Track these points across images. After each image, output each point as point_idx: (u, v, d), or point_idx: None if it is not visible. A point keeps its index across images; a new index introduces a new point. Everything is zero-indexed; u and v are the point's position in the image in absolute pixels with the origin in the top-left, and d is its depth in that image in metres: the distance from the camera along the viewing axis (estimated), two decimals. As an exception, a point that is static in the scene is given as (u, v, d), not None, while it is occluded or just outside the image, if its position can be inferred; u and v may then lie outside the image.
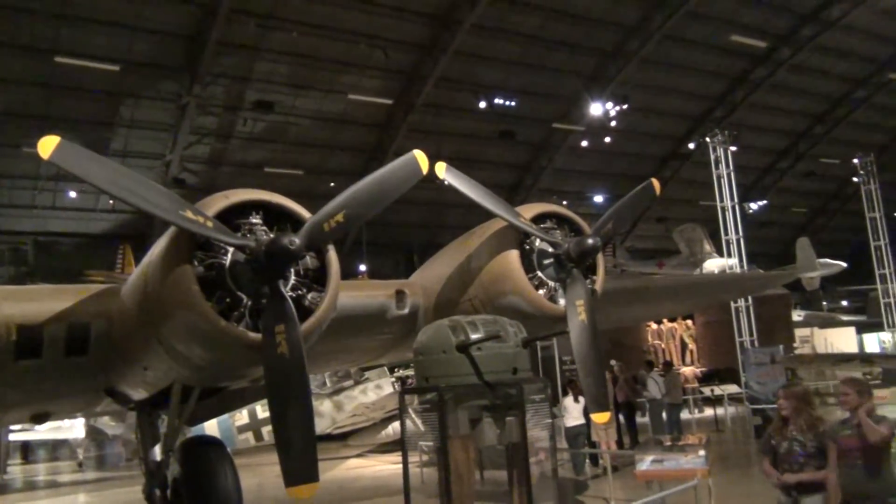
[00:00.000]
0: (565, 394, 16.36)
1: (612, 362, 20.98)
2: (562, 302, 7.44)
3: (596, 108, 36.86)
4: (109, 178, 5.41)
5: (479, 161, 37.57)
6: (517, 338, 5.99)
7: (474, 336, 5.80)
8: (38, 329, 6.48)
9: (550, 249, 7.57)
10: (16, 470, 25.12)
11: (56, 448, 27.40)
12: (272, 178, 32.65)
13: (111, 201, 31.50)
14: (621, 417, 18.96)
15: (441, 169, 7.18)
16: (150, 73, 30.04)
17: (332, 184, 34.01)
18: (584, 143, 39.97)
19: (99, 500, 18.22)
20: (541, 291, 7.47)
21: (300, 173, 35.41)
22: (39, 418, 9.13)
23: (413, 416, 6.76)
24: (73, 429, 22.67)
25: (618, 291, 10.03)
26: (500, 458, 6.11)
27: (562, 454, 14.41)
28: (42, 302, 6.63)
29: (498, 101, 35.89)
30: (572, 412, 15.31)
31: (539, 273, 7.55)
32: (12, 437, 23.43)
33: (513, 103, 36.23)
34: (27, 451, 27.51)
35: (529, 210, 7.71)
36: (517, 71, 35.90)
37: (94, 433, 23.38)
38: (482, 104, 35.67)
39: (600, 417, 7.72)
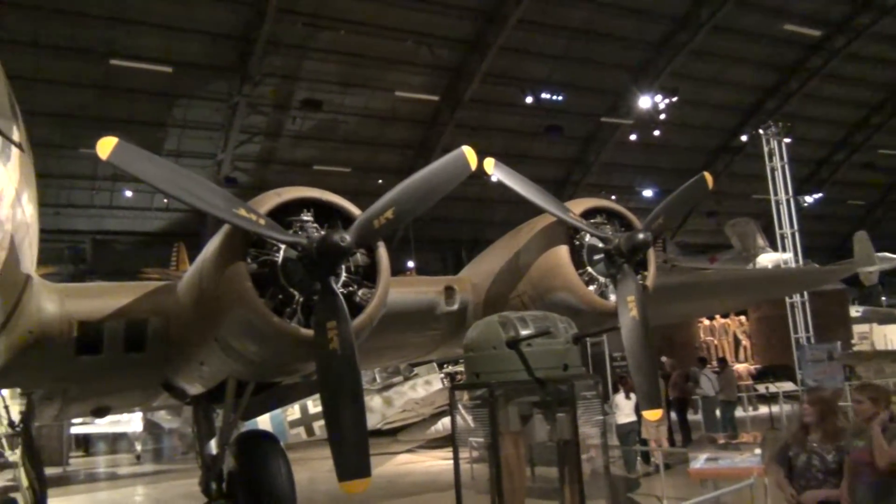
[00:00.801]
0: (616, 390, 16.22)
1: (663, 359, 20.72)
2: (612, 298, 7.38)
3: (645, 101, 36.36)
4: (166, 177, 5.53)
5: (526, 156, 37.40)
6: (568, 334, 5.94)
7: (524, 332, 5.77)
8: (98, 325, 6.66)
9: (600, 245, 7.51)
10: (77, 462, 25.84)
11: (115, 441, 28.12)
12: (321, 176, 32.95)
13: (165, 200, 32.21)
14: (673, 415, 18.71)
15: (490, 165, 7.16)
16: (201, 73, 30.60)
17: (380, 181, 34.22)
18: (633, 137, 39.46)
19: (157, 493, 18.64)
20: (591, 287, 7.41)
21: (348, 171, 35.67)
22: (100, 412, 9.41)
23: (462, 412, 6.77)
24: (131, 422, 23.28)
25: (669, 287, 9.91)
26: (550, 454, 6.08)
27: (613, 451, 14.28)
28: (101, 299, 6.81)
29: (545, 95, 35.62)
30: (623, 409, 15.17)
31: (589, 269, 7.48)
32: (74, 430, 24.16)
33: (560, 98, 35.93)
34: (88, 443, 28.30)
35: (579, 205, 7.65)
36: (564, 65, 35.62)
37: (151, 427, 24.00)
38: (529, 99, 35.46)
39: (652, 415, 7.64)
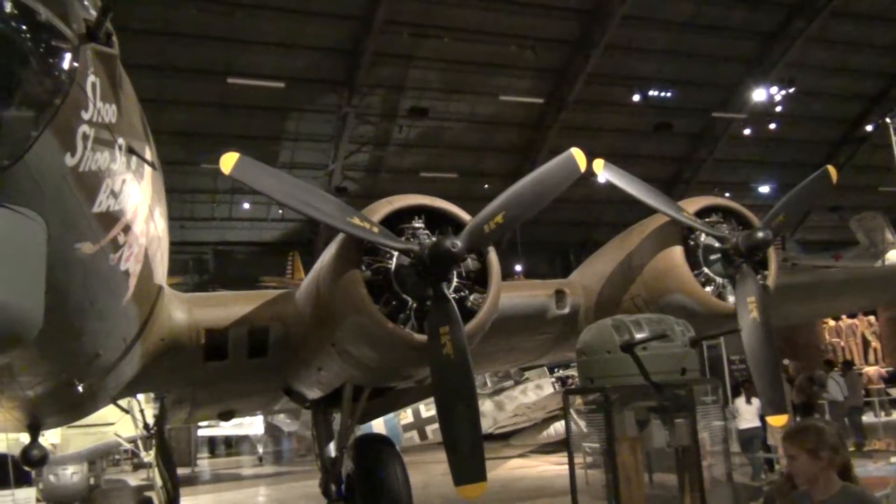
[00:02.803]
0: (737, 395, 15.64)
1: (786, 361, 19.83)
2: (731, 299, 7.15)
3: (759, 94, 35.08)
4: (284, 189, 5.75)
5: (635, 156, 36.63)
6: (685, 337, 5.79)
7: (639, 335, 5.66)
8: (223, 333, 6.99)
9: (717, 244, 7.28)
10: (203, 463, 27.12)
11: (238, 443, 29.40)
12: (428, 183, 33.40)
13: (280, 211, 33.46)
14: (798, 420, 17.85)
15: (599, 166, 7.07)
16: (312, 87, 31.66)
17: (486, 185, 34.34)
18: (747, 132, 38.11)
19: (278, 493, 19.32)
20: (708, 288, 7.20)
21: (454, 176, 35.98)
22: (226, 416, 9.86)
23: (575, 416, 6.71)
24: (252, 425, 24.28)
25: (791, 287, 9.50)
26: (669, 461, 5.93)
27: (735, 458, 13.77)
28: (226, 307, 7.15)
29: (652, 93, 34.93)
30: (745, 414, 14.63)
31: (705, 269, 7.27)
32: (200, 432, 25.41)
33: (668, 94, 35.16)
34: (213, 445, 29.68)
35: (693, 204, 7.45)
36: (672, 61, 34.75)
37: (271, 429, 24.96)
38: (636, 97, 34.86)
39: (777, 420, 7.33)
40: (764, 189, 40.81)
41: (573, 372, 19.85)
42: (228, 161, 5.51)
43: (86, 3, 3.52)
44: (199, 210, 34.87)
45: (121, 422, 12.73)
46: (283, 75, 29.95)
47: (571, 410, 6.55)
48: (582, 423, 6.33)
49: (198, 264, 35.88)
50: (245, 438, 27.45)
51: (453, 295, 6.00)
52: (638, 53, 33.97)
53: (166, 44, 27.54)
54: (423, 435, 19.93)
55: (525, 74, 33.85)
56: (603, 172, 7.15)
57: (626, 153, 35.58)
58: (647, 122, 37.19)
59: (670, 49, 34.21)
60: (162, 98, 27.95)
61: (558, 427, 20.28)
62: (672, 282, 7.15)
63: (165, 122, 27.97)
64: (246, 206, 34.89)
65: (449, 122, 35.02)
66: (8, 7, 2.85)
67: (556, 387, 20.92)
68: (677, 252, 7.21)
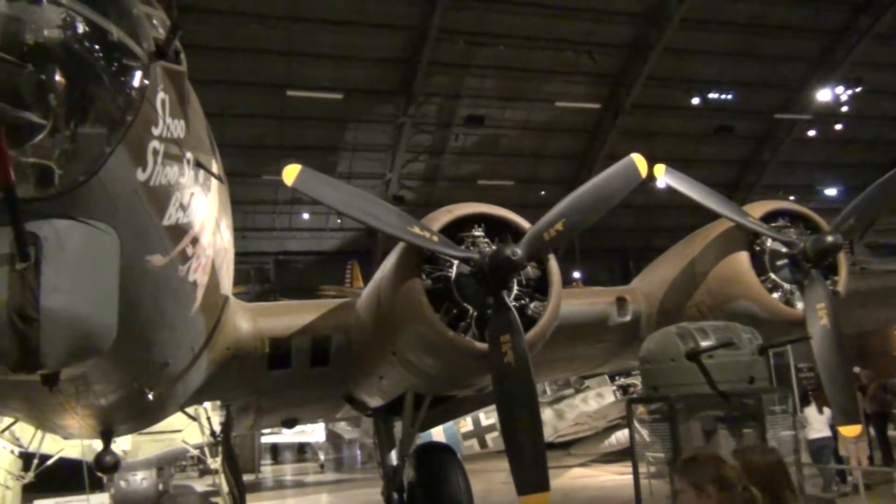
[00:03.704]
0: (806, 404, 15.20)
1: (857, 370, 19.15)
2: (799, 305, 6.97)
3: (824, 94, 34.16)
4: (345, 200, 5.83)
5: (695, 160, 35.96)
6: (752, 345, 5.68)
7: (705, 343, 5.57)
8: (286, 342, 7.12)
9: (784, 249, 7.13)
10: (267, 469, 27.55)
11: (300, 450, 29.77)
12: (485, 191, 33.39)
13: (339, 220, 33.87)
14: (871, 431, 17.24)
15: (660, 171, 6.99)
16: (369, 98, 32.01)
17: (543, 192, 34.15)
18: (812, 133, 37.10)
19: (340, 501, 19.49)
20: (775, 295, 7.05)
21: (511, 184, 35.90)
22: (289, 423, 10.01)
23: (637, 426, 6.61)
24: (314, 432, 24.55)
25: (862, 292, 9.20)
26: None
27: (806, 469, 13.38)
28: (289, 317, 7.27)
29: (712, 95, 34.34)
30: (815, 424, 14.21)
31: (772, 275, 7.13)
32: (264, 439, 25.81)
33: (729, 96, 34.51)
34: (276, 452, 30.12)
35: (758, 208, 7.32)
36: (732, 62, 34.06)
37: (333, 437, 25.20)
38: (695, 100, 34.30)
39: (850, 430, 7.12)
40: (830, 192, 39.67)
41: (635, 380, 19.54)
42: (291, 173, 5.62)
43: (155, 22, 3.64)
44: (260, 220, 35.51)
45: (188, 429, 13.01)
46: (341, 86, 30.35)
47: (634, 420, 6.47)
48: (645, 433, 6.24)
49: (259, 274, 36.54)
50: (307, 445, 27.78)
51: (513, 303, 6.00)
52: (697, 55, 33.42)
53: (228, 59, 28.19)
54: (482, 443, 19.87)
55: (581, 80, 33.61)
56: (664, 178, 7.06)
57: (685, 157, 34.94)
58: (707, 126, 36.54)
59: (730, 50, 33.55)
60: (225, 112, 28.60)
61: (620, 436, 20.01)
62: (738, 288, 7.02)
63: (228, 135, 28.57)
64: (305, 216, 35.43)
65: (505, 130, 34.98)
66: (82, 27, 2.97)
67: (618, 395, 20.61)
68: (743, 258, 7.09)
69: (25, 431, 10.90)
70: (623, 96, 33.90)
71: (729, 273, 7.08)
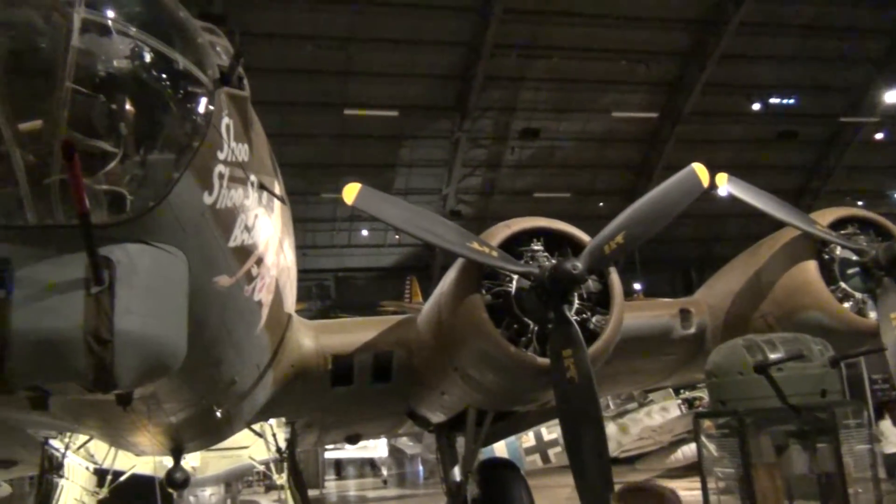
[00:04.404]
0: (881, 417, 14.66)
1: (936, 380, 18.40)
2: (872, 315, 6.74)
3: (891, 96, 33.09)
4: (405, 217, 5.89)
5: (757, 167, 35.19)
6: (824, 357, 5.51)
7: (774, 356, 5.44)
8: (349, 358, 7.18)
9: (854, 258, 6.91)
10: (331, 485, 27.75)
11: (363, 465, 29.94)
12: (542, 203, 33.27)
13: (397, 237, 34.14)
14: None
15: (723, 180, 6.86)
16: (424, 114, 32.32)
17: (601, 204, 33.84)
18: (880, 136, 36.06)
19: (403, 516, 19.51)
20: (846, 304, 6.83)
21: (568, 196, 35.70)
22: (352, 439, 10.08)
23: (704, 440, 6.47)
24: (377, 448, 24.67)
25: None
26: (811, 488, 5.63)
27: (883, 485, 12.88)
28: (351, 334, 7.34)
29: (774, 100, 33.72)
30: (891, 437, 13.69)
31: (842, 284, 6.92)
32: (327, 455, 26.04)
33: (791, 101, 33.79)
34: (339, 467, 30.34)
35: (825, 216, 7.13)
36: (794, 66, 33.34)
37: (395, 452, 25.27)
38: (756, 106, 33.71)
39: (930, 444, 6.82)
40: (902, 195, 38.40)
41: (700, 393, 19.12)
42: (351, 191, 5.70)
43: (218, 49, 3.75)
44: (320, 238, 36.04)
45: (255, 445, 13.21)
46: (397, 104, 30.70)
47: (702, 435, 6.34)
48: (712, 447, 6.11)
49: (320, 291, 37.04)
50: (369, 461, 27.93)
51: (575, 317, 5.94)
52: (756, 60, 32.81)
53: (287, 80, 28.77)
54: (545, 458, 19.67)
55: (637, 89, 33.30)
56: (727, 186, 6.93)
57: (747, 164, 34.22)
58: (769, 131, 35.76)
59: (792, 54, 32.85)
60: (284, 132, 29.18)
61: (686, 450, 19.55)
62: (806, 298, 6.84)
63: (287, 155, 29.10)
64: (364, 232, 35.85)
65: (561, 142, 34.86)
66: (149, 58, 3.08)
67: (683, 409, 20.17)
68: (811, 267, 6.90)
69: (99, 448, 11.20)
70: (681, 104, 33.47)
71: (797, 283, 6.90)
